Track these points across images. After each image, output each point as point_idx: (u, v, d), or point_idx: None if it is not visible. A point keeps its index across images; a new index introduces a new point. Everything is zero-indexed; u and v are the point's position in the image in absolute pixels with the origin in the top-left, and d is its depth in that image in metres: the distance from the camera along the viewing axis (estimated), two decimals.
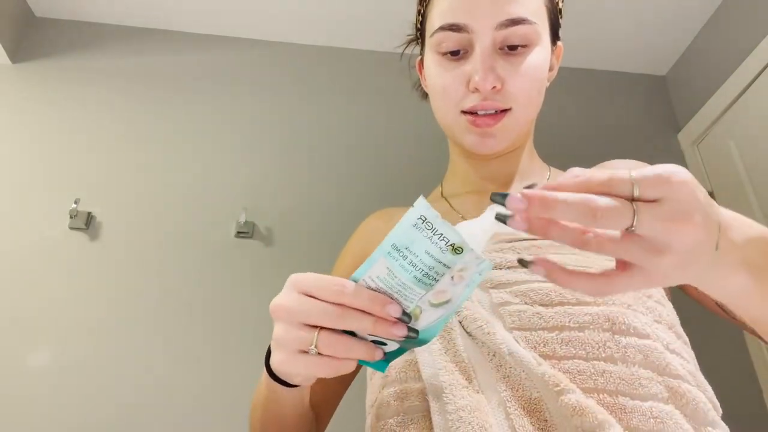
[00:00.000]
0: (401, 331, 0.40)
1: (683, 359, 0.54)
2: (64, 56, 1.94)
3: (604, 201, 0.34)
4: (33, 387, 1.43)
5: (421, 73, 0.82)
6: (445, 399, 0.51)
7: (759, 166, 1.74)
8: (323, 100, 2.02)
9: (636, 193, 0.35)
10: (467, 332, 0.56)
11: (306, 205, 1.81)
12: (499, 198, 0.36)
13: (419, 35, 0.80)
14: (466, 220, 0.72)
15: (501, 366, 0.52)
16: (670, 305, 0.60)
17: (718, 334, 1.71)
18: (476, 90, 0.66)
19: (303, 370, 0.42)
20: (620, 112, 2.16)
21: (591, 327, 0.53)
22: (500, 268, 0.59)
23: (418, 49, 0.83)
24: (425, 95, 0.85)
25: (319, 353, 0.40)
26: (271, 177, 1.85)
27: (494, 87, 0.65)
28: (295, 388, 0.50)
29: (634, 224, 0.34)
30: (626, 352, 0.51)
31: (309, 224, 1.77)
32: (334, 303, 0.40)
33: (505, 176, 0.75)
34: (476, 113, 0.67)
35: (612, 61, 2.22)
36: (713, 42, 2.01)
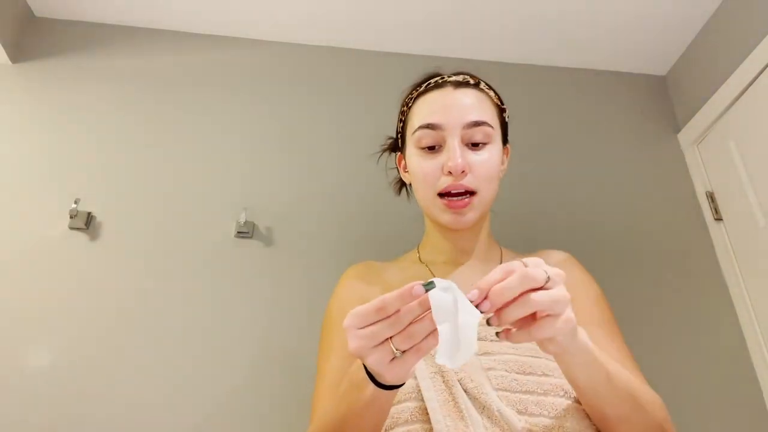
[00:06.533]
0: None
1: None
2: (64, 56, 1.94)
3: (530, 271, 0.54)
4: (33, 387, 1.43)
5: (399, 165, 1.09)
6: None
7: (759, 166, 1.74)
8: (323, 100, 2.02)
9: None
10: (464, 389, 0.73)
11: (306, 205, 1.81)
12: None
13: (400, 137, 1.06)
14: None
15: (489, 417, 0.69)
16: None
17: (719, 334, 1.71)
18: (449, 173, 0.89)
19: (403, 370, 0.53)
20: (620, 112, 2.16)
21: (552, 393, 0.73)
22: (485, 340, 0.79)
23: (388, 157, 1.16)
24: (399, 191, 1.19)
25: (403, 352, 0.52)
26: (271, 177, 1.85)
27: (463, 171, 0.88)
28: (395, 388, 0.61)
29: (548, 281, 0.53)
30: (576, 413, 0.72)
31: (309, 224, 1.77)
32: (384, 318, 0.52)
33: (470, 249, 1.00)
34: (450, 194, 0.91)
35: (612, 61, 2.22)
36: (713, 42, 2.01)
